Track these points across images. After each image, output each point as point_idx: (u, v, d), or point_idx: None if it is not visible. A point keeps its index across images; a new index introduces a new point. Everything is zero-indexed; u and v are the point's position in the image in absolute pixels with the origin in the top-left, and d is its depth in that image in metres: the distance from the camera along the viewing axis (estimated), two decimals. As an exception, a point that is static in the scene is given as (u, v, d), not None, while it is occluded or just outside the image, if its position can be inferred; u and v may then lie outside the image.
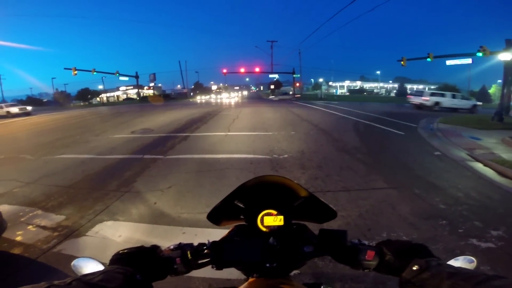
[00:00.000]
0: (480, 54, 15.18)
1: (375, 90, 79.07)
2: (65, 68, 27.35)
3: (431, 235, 2.67)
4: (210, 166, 4.97)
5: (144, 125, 10.78)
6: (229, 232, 0.67)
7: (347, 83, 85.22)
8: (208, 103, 26.20)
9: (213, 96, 55.44)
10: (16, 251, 2.46)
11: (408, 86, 68.01)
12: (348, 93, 70.38)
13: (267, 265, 0.60)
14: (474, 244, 2.52)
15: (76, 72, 26.92)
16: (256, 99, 40.15)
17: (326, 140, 7.22)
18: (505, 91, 13.30)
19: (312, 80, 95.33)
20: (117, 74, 31.55)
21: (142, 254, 0.56)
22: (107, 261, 0.56)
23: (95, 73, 28.48)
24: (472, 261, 0.56)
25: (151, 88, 60.29)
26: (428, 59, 18.46)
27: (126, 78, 35.08)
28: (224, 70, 34.36)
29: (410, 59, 20.30)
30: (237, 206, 0.70)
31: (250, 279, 0.63)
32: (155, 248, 0.59)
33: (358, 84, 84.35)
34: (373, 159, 5.44)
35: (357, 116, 12.83)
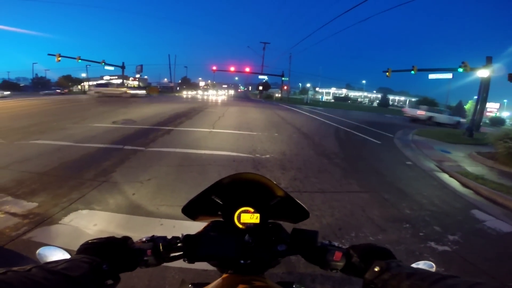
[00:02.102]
0: (461, 70, 15.35)
1: (359, 99, 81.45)
2: (48, 54, 25.75)
3: (395, 237, 2.86)
4: (192, 161, 4.99)
5: (127, 116, 10.53)
6: (205, 227, 0.67)
7: (333, 90, 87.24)
8: (194, 99, 25.93)
9: (200, 92, 54.80)
10: (-18, 237, 2.37)
11: (391, 97, 70.75)
12: (333, 100, 71.99)
13: (242, 261, 0.61)
14: (432, 247, 2.72)
15: (60, 58, 25.54)
16: (243, 98, 40.24)
17: (307, 143, 7.43)
18: (478, 107, 13.79)
19: (300, 84, 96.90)
20: (103, 64, 30.40)
21: (112, 244, 0.55)
22: None
23: (80, 60, 27.15)
24: (432, 266, 0.58)
25: (137, 79, 58.64)
26: (412, 72, 19.08)
27: (111, 68, 33.70)
28: (214, 67, 34.00)
29: (395, 71, 20.97)
30: (214, 202, 0.70)
31: (224, 275, 0.64)
32: (126, 239, 0.58)
33: (343, 92, 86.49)
34: (350, 164, 5.69)
35: (339, 123, 13.26)
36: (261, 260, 0.62)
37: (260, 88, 48.77)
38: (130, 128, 7.98)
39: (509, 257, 2.70)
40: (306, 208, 0.69)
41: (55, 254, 0.51)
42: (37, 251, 0.52)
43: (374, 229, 2.99)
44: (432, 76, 20.84)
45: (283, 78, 38.92)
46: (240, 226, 0.66)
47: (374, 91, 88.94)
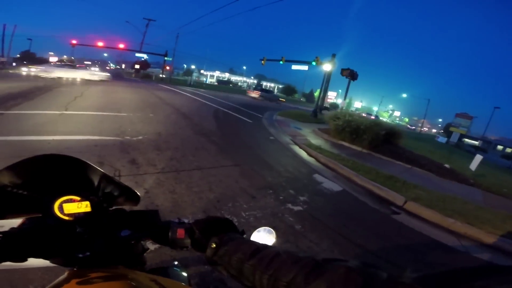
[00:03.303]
0: (314, 63, 19.04)
1: (239, 83, 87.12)
2: None
3: (262, 202, 3.34)
4: (34, 150, 3.94)
5: None
6: (20, 225, 0.54)
7: (217, 73, 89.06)
8: (39, 77, 19.73)
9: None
10: None
11: (264, 83, 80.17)
12: (216, 83, 73.74)
13: (80, 255, 0.52)
14: (290, 207, 3.33)
15: None
16: (114, 77, 34.37)
17: (186, 123, 7.41)
18: (321, 95, 18.06)
19: (185, 65, 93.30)
20: None
21: None
22: None
23: None
24: (272, 232, 0.62)
25: None
26: (281, 62, 22.43)
27: None
28: (74, 41, 28.09)
29: (268, 60, 23.91)
30: (22, 195, 0.55)
31: (68, 272, 0.55)
32: None
33: (226, 75, 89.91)
34: (225, 141, 6.18)
35: (219, 104, 13.92)
36: (102, 250, 0.55)
37: (137, 66, 43.04)
38: None
39: (341, 211, 3.65)
40: (133, 189, 0.64)
41: None
42: None
43: (246, 197, 3.38)
44: (294, 67, 24.99)
45: (166, 58, 35.96)
46: (66, 218, 0.56)
47: (252, 77, 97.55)
